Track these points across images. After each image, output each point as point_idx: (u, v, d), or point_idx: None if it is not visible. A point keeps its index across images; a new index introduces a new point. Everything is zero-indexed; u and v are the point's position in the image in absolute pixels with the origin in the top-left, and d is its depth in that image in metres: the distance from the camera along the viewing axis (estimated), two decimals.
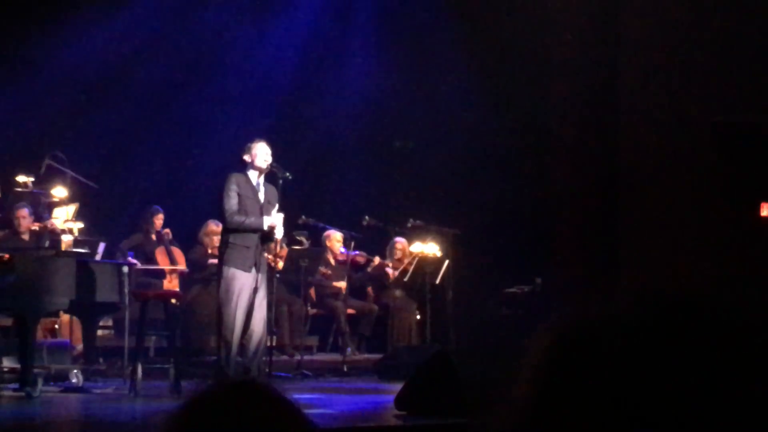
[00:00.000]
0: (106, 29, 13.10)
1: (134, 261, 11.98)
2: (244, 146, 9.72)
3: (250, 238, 9.43)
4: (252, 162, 9.57)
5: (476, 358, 8.31)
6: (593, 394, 1.04)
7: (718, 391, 1.03)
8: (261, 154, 9.56)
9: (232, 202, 9.44)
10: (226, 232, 9.56)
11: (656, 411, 1.02)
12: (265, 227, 9.43)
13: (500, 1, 13.12)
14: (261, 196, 9.58)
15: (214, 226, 12.14)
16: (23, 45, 12.83)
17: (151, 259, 12.18)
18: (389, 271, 12.92)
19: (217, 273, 9.77)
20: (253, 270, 9.38)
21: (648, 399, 1.02)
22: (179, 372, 9.11)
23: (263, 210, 9.51)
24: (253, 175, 9.59)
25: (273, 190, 9.67)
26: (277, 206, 9.62)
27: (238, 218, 9.41)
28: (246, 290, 9.35)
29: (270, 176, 9.70)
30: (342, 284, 12.57)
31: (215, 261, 11.75)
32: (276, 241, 9.75)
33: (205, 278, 12.11)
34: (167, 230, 12.38)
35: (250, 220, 9.41)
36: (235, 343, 9.35)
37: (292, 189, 9.89)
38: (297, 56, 14.06)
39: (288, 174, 9.65)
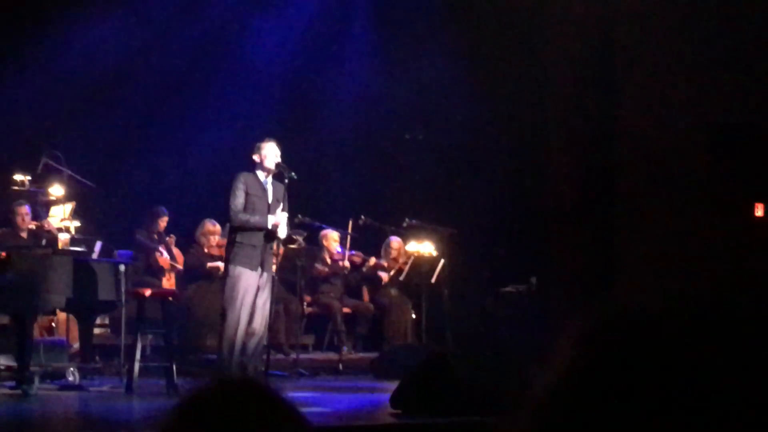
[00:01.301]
0: (104, 28, 13.09)
1: (161, 251, 12.05)
2: (252, 146, 9.79)
3: (256, 237, 9.49)
4: (261, 162, 9.62)
5: (472, 357, 8.33)
6: (624, 390, 1.03)
7: (754, 392, 1.03)
8: (270, 154, 9.63)
9: (238, 201, 9.51)
10: (233, 231, 9.62)
11: (687, 409, 1.01)
12: (269, 226, 9.49)
13: (498, 2, 13.12)
14: (269, 195, 9.64)
15: (211, 226, 12.15)
16: (20, 42, 12.82)
17: (150, 257, 12.22)
18: (383, 275, 12.93)
19: (223, 271, 9.82)
20: (259, 269, 9.43)
21: (679, 397, 1.01)
22: (176, 370, 9.12)
23: (271, 209, 9.58)
24: (261, 174, 9.65)
25: (281, 189, 9.74)
26: (281, 205, 9.67)
27: (243, 216, 9.48)
28: (251, 289, 9.39)
29: (278, 176, 9.76)
30: (346, 263, 12.61)
31: (214, 264, 11.82)
32: (279, 240, 9.80)
33: (204, 276, 12.11)
34: (172, 236, 12.39)
35: (255, 219, 9.48)
36: (238, 342, 9.38)
37: (289, 188, 9.91)
38: (293, 58, 14.06)
39: (294, 174, 9.70)
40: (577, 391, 1.06)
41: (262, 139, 9.75)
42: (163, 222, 12.33)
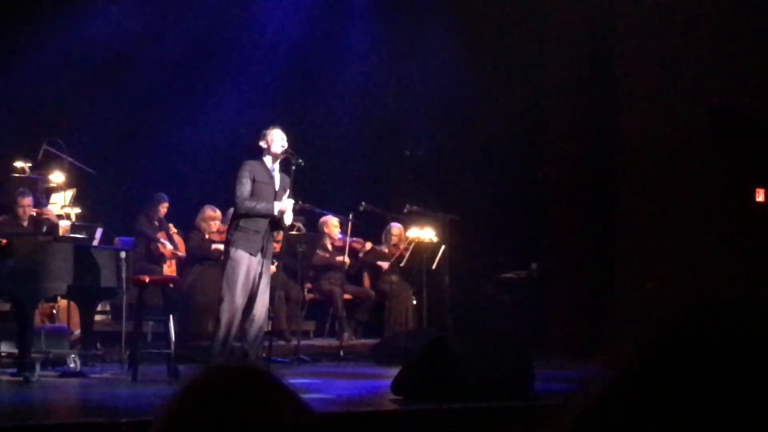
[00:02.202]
0: (104, 13, 13.07)
1: (163, 242, 12.02)
2: (256, 133, 9.78)
3: (260, 223, 9.50)
4: (268, 148, 9.63)
5: (472, 343, 8.33)
6: (700, 378, 1.01)
7: None
8: (276, 140, 9.63)
9: (244, 188, 9.51)
10: (237, 217, 9.63)
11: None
12: (276, 212, 9.50)
13: None
14: (276, 182, 9.63)
15: (211, 212, 12.14)
16: (21, 29, 12.80)
17: (150, 244, 12.21)
18: (382, 264, 12.92)
19: (224, 254, 9.83)
20: (259, 255, 9.44)
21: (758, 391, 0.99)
22: (177, 357, 9.13)
23: (277, 196, 9.58)
24: (268, 161, 9.65)
25: (287, 176, 9.74)
26: (288, 192, 9.67)
27: (249, 203, 9.48)
28: (250, 273, 9.41)
29: (284, 162, 9.75)
30: (345, 259, 12.58)
31: (217, 246, 11.80)
32: (284, 227, 9.81)
33: (205, 259, 12.09)
34: (171, 226, 12.37)
35: (261, 205, 9.48)
36: (234, 324, 9.39)
37: (296, 174, 9.89)
38: (294, 43, 14.04)
39: (301, 161, 9.68)
40: (651, 379, 1.03)
41: (266, 126, 9.76)
42: (163, 208, 12.35)
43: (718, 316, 1.06)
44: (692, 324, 1.06)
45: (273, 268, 10.25)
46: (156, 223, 12.35)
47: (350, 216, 12.58)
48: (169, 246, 12.19)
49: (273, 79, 13.72)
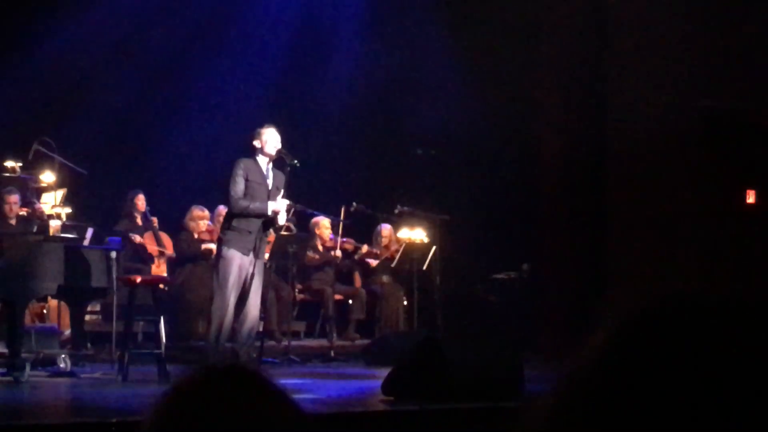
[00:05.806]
0: (96, 14, 13.05)
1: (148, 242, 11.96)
2: (253, 131, 9.70)
3: (252, 223, 9.46)
4: (262, 148, 9.56)
5: (463, 344, 8.34)
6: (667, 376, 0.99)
7: None
8: (271, 140, 9.56)
9: (238, 187, 9.45)
10: (230, 216, 9.59)
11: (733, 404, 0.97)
12: (269, 212, 9.45)
13: None
14: (270, 182, 9.58)
15: (199, 212, 12.13)
16: (12, 29, 12.78)
17: (136, 245, 12.16)
18: (371, 261, 12.94)
19: (216, 253, 9.82)
20: (251, 255, 9.41)
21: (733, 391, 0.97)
22: (167, 357, 9.12)
23: (270, 196, 9.52)
24: (262, 160, 9.59)
25: (281, 176, 9.67)
26: (282, 192, 9.62)
27: (243, 203, 9.43)
28: (242, 273, 9.38)
29: (278, 162, 9.70)
30: (338, 253, 12.55)
31: (207, 246, 11.79)
32: (277, 227, 9.76)
33: (195, 259, 12.07)
34: (154, 219, 12.33)
35: (255, 205, 9.43)
36: (226, 324, 9.36)
37: (291, 175, 9.85)
38: (286, 43, 14.04)
39: (296, 161, 9.62)
40: (614, 376, 1.03)
41: (261, 125, 9.69)
42: (140, 201, 12.20)
43: (682, 311, 1.06)
44: (658, 318, 1.06)
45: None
46: (138, 220, 12.25)
47: (341, 216, 12.56)
48: (154, 246, 12.13)
49: (263, 80, 13.71)
